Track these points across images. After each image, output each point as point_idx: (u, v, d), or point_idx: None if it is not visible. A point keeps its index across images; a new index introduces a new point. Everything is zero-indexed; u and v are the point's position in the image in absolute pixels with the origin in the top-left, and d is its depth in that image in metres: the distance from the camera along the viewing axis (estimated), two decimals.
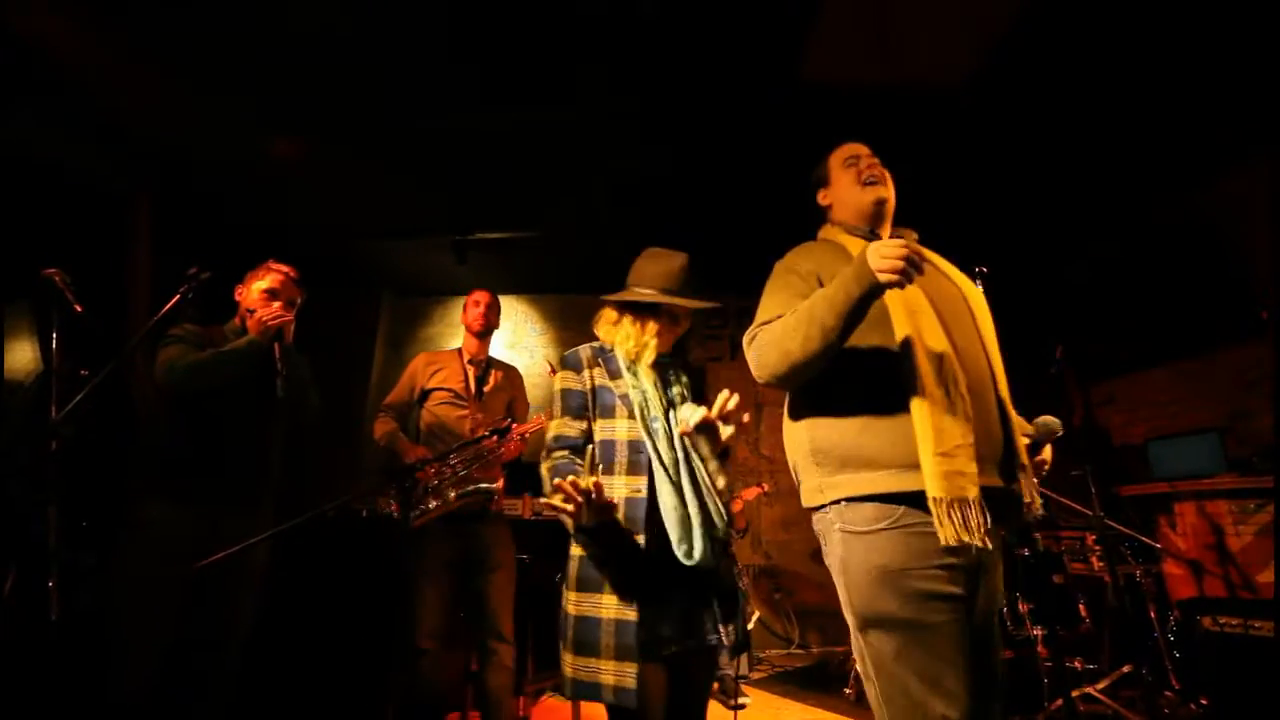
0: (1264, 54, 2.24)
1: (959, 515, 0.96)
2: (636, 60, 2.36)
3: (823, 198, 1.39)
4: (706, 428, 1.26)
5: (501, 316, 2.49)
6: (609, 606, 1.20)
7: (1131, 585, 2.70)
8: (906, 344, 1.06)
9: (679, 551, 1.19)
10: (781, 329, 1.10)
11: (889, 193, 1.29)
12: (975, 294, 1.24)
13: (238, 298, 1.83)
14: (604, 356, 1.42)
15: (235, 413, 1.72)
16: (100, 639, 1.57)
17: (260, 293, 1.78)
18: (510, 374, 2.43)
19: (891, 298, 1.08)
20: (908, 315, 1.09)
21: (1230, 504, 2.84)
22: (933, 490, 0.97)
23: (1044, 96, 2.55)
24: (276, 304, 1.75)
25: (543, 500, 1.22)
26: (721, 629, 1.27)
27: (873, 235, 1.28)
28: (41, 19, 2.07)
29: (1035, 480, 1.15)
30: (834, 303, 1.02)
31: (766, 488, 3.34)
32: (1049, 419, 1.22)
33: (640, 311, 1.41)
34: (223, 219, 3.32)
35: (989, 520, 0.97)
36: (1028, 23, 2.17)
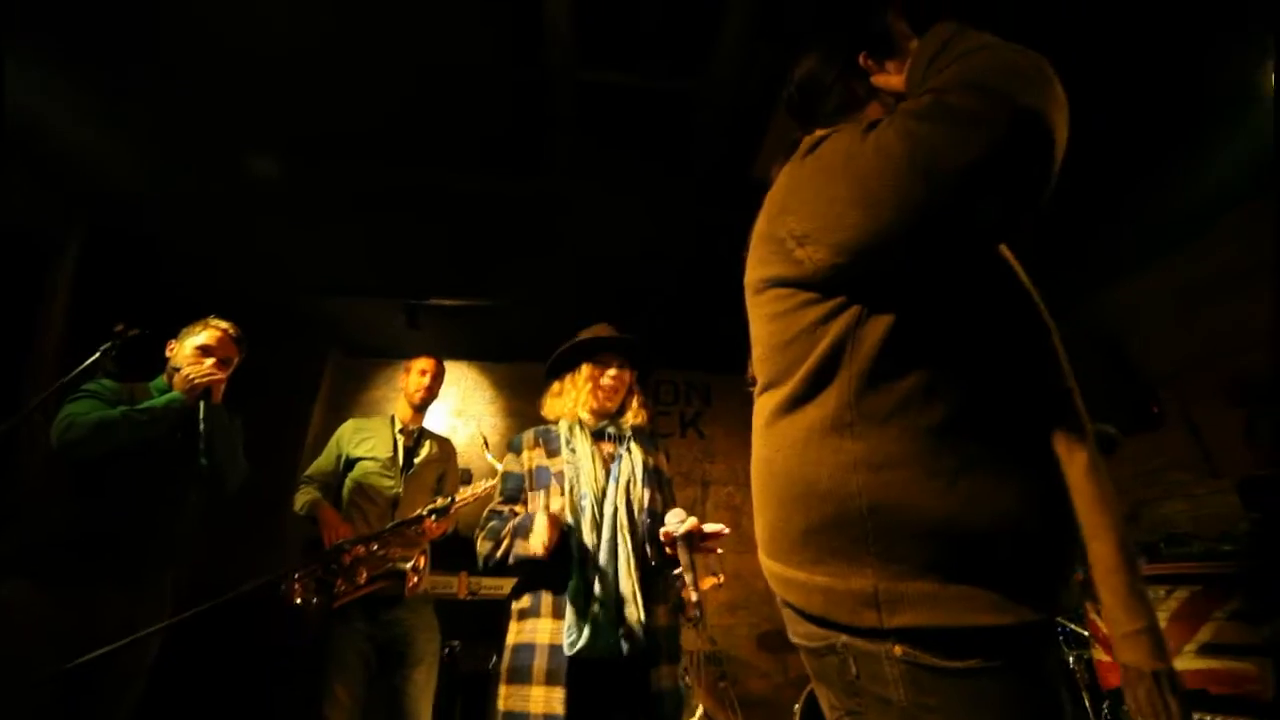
0: (1149, 172, 2.58)
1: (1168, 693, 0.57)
2: (601, 140, 2.49)
3: (866, 60, 0.81)
4: (688, 539, 1.22)
5: (451, 383, 2.45)
6: (537, 700, 1.15)
7: (1067, 673, 2.75)
8: (1055, 372, 0.65)
9: (565, 640, 1.16)
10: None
11: None
12: None
13: (168, 353, 1.74)
14: (546, 436, 1.45)
15: (141, 478, 1.58)
16: None
17: (194, 349, 1.70)
18: (443, 445, 2.36)
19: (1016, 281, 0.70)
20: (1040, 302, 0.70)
21: None
22: (1146, 659, 0.59)
23: None
24: (209, 361, 1.67)
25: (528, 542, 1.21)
26: None
27: None
28: None
29: None
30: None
31: (720, 578, 3.26)
32: (1105, 427, 0.94)
33: (570, 366, 1.47)
34: (160, 269, 3.19)
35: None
36: None
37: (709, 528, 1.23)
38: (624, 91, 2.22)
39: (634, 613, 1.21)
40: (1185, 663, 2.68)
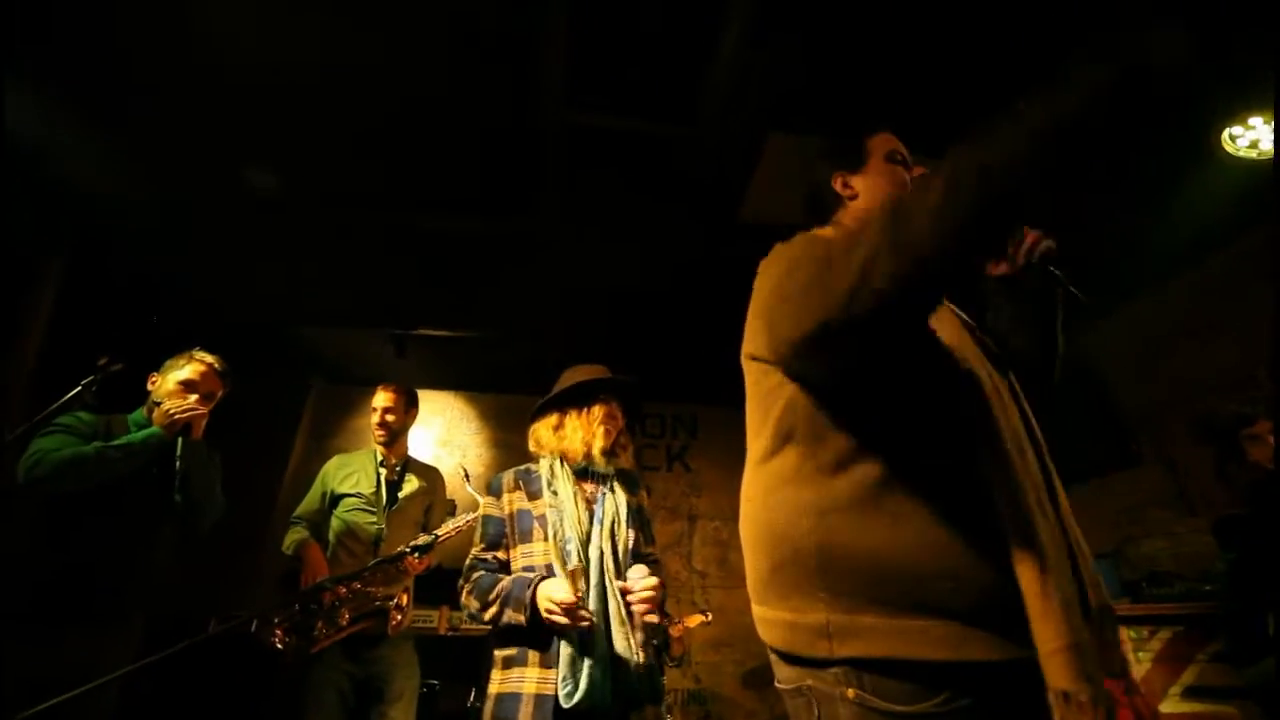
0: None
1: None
2: (589, 178, 2.52)
3: (842, 184, 0.98)
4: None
5: (436, 413, 2.42)
6: None
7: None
8: (982, 413, 0.70)
9: (561, 691, 1.12)
10: (886, 217, 0.62)
11: None
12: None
13: (150, 386, 1.71)
14: (526, 478, 1.41)
15: (112, 514, 1.53)
16: None
17: (176, 384, 1.67)
18: (429, 476, 2.32)
19: (951, 335, 0.77)
20: (976, 364, 0.75)
21: (1128, 631, 2.98)
22: (1059, 679, 0.59)
23: None
24: (192, 398, 1.65)
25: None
26: None
27: None
28: None
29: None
30: (1051, 118, 0.54)
31: (709, 617, 3.20)
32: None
33: (579, 402, 1.42)
34: (142, 297, 3.16)
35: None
36: None
37: (639, 593, 1.22)
38: (612, 134, 2.28)
39: (629, 658, 1.19)
40: (1171, 706, 2.67)
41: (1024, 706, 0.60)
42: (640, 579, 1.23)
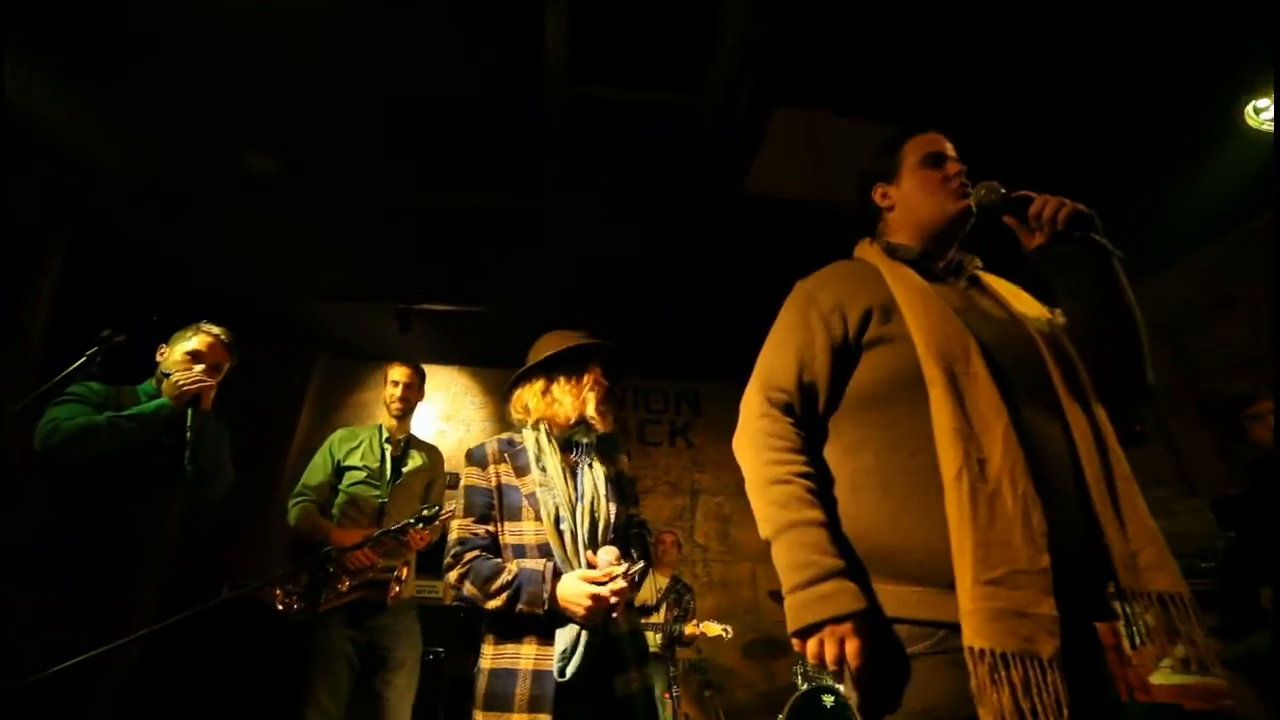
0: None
1: (1017, 681, 0.64)
2: (593, 151, 2.49)
3: (880, 196, 1.06)
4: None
5: (440, 387, 2.43)
6: None
7: None
8: (939, 408, 0.79)
9: (555, 666, 1.12)
10: (764, 491, 0.87)
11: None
12: (1061, 343, 0.90)
13: (159, 357, 1.72)
14: (511, 450, 1.34)
15: (126, 482, 1.56)
16: None
17: (184, 355, 1.68)
18: (431, 454, 2.34)
19: (923, 334, 0.84)
20: (937, 359, 0.81)
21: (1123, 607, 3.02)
22: (970, 636, 0.67)
23: None
24: (199, 368, 1.66)
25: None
26: None
27: (925, 260, 0.99)
28: None
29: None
30: (786, 563, 0.82)
31: (729, 633, 3.16)
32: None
33: (570, 368, 1.36)
34: (148, 271, 3.16)
35: (1065, 689, 0.65)
36: None
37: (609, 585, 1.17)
38: (617, 105, 2.24)
39: (610, 627, 1.18)
40: (1161, 678, 2.72)
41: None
42: (607, 565, 1.18)
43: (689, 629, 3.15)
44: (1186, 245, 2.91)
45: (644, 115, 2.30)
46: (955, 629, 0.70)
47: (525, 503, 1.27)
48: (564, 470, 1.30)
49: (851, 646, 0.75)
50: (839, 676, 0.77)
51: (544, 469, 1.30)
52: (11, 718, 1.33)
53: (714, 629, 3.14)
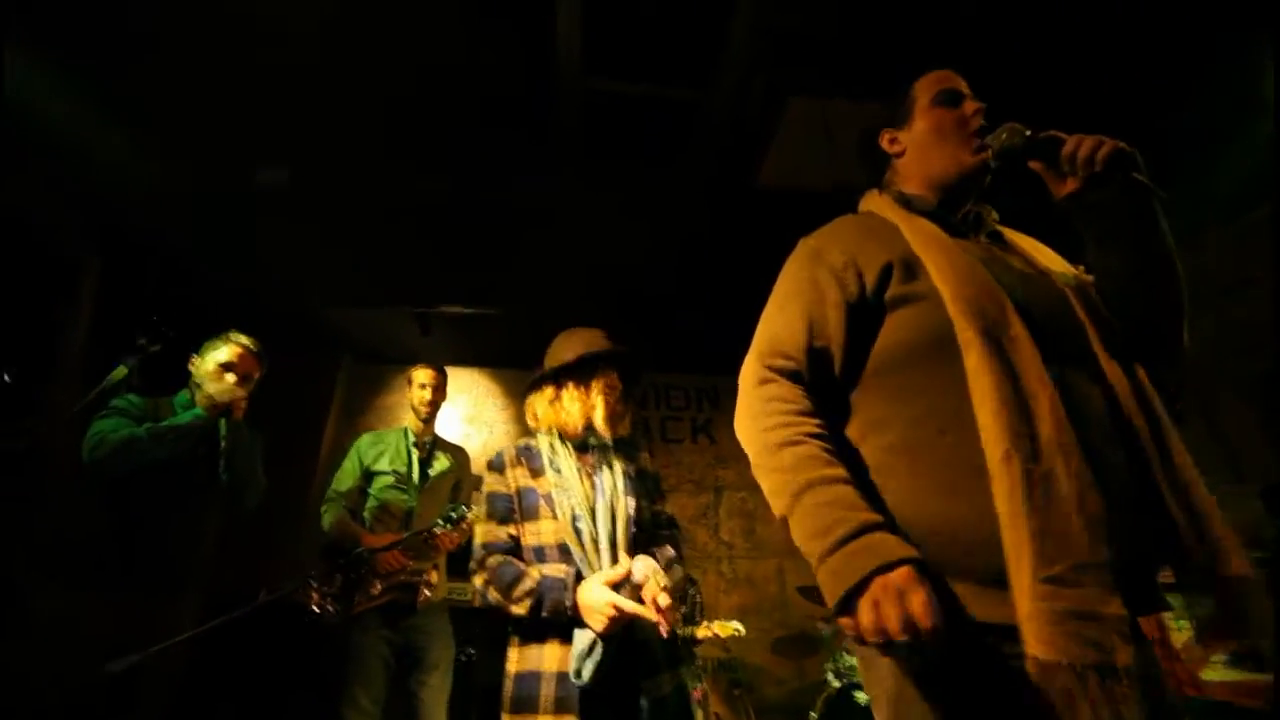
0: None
1: (1096, 697, 0.55)
2: (608, 148, 2.49)
3: (890, 142, 0.95)
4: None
5: (463, 390, 2.46)
6: None
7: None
8: (978, 375, 0.68)
9: (572, 667, 1.11)
10: (771, 458, 0.76)
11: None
12: (1092, 299, 0.81)
13: (191, 368, 1.77)
14: (527, 454, 1.36)
15: (165, 492, 1.61)
16: None
17: (216, 365, 1.73)
18: (457, 455, 2.37)
19: (953, 291, 0.73)
20: (973, 319, 0.71)
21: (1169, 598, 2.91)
22: (1035, 645, 0.58)
23: None
24: (230, 377, 1.71)
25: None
26: None
27: (943, 211, 0.88)
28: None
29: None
30: (810, 530, 0.69)
31: (742, 631, 3.02)
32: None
33: (581, 374, 1.36)
34: (177, 282, 3.25)
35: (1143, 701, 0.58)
36: None
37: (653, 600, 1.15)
38: (631, 101, 2.23)
39: (637, 631, 1.17)
40: (1215, 674, 2.63)
41: (977, 658, 0.64)
42: (645, 573, 1.15)
43: (700, 632, 2.98)
44: (1214, 219, 2.80)
45: (657, 109, 2.29)
46: (999, 630, 0.61)
47: (542, 503, 1.28)
48: (581, 472, 1.31)
49: (917, 598, 0.59)
50: (908, 648, 0.61)
51: (559, 471, 1.31)
52: (68, 714, 1.38)
53: (727, 628, 3.00)
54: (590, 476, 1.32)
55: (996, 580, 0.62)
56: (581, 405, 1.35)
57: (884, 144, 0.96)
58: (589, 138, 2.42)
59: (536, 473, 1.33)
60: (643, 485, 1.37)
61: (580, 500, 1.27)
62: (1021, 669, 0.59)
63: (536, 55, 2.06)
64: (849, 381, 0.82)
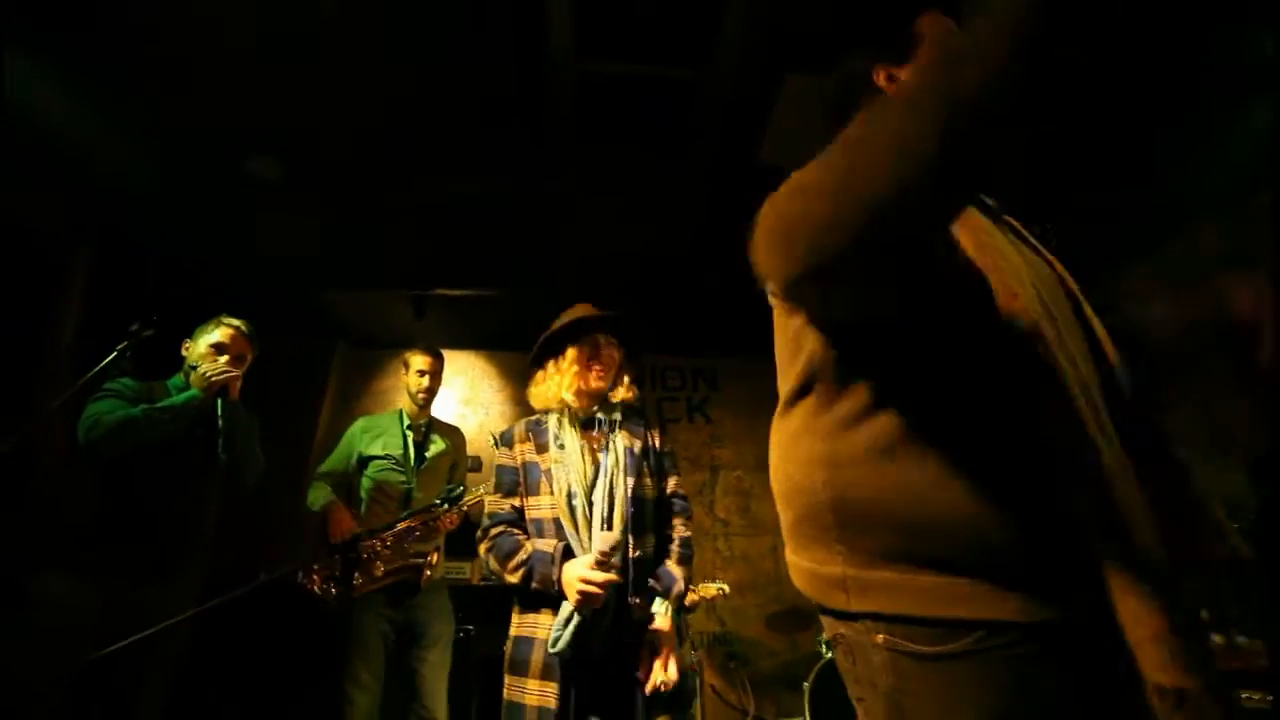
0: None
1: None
2: (604, 128, 2.46)
3: (886, 78, 0.79)
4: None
5: (458, 372, 2.47)
6: (532, 692, 1.18)
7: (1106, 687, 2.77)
8: (1034, 338, 0.59)
9: (550, 637, 1.19)
10: (858, 137, 0.54)
11: None
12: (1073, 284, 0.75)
13: (184, 352, 1.78)
14: (535, 429, 1.41)
15: (164, 473, 1.63)
16: None
17: (208, 347, 1.73)
18: (453, 436, 2.39)
19: (995, 265, 0.63)
20: (1030, 299, 0.62)
21: None
22: (1158, 670, 0.49)
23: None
24: (223, 359, 1.71)
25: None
26: None
27: None
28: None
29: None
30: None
31: (725, 591, 3.11)
32: None
33: (555, 351, 1.41)
34: (169, 266, 3.21)
35: None
36: None
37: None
38: (625, 80, 2.20)
39: (612, 607, 1.23)
40: None
41: (1050, 663, 0.54)
42: (601, 546, 1.20)
43: (687, 599, 3.11)
44: (1214, 207, 2.81)
45: (652, 90, 2.26)
46: (998, 627, 0.55)
47: (543, 478, 1.33)
48: (584, 448, 1.34)
49: None
50: None
51: (562, 446, 1.35)
52: (72, 697, 1.40)
53: (710, 589, 3.09)
54: (595, 453, 1.35)
55: (1007, 579, 0.55)
56: (556, 382, 1.38)
57: (880, 81, 0.79)
58: (583, 119, 2.39)
59: (542, 448, 1.37)
60: (647, 463, 1.39)
61: (578, 477, 1.30)
62: (1005, 659, 0.54)
63: (529, 38, 2.02)
64: (862, 347, 0.68)
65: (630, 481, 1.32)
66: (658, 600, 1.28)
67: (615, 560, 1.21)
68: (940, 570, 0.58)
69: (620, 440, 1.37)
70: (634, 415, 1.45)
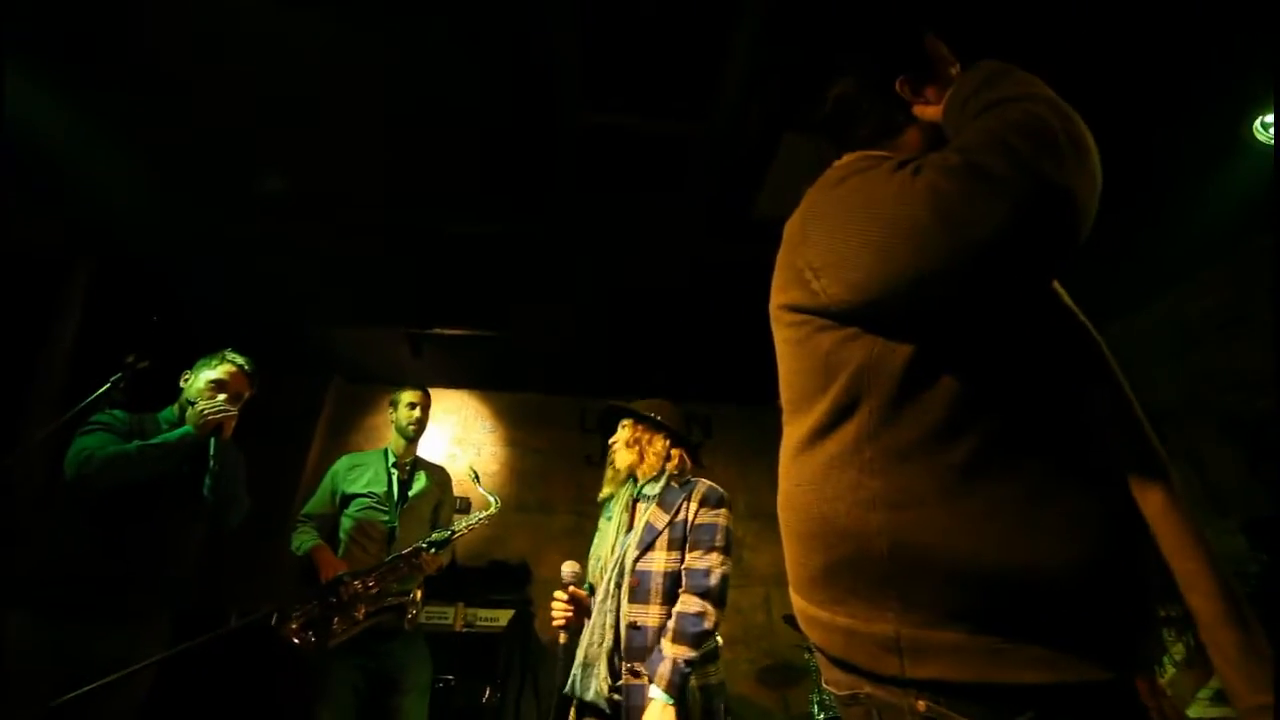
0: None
1: None
2: (603, 177, 2.53)
3: (911, 91, 0.74)
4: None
5: (451, 411, 2.46)
6: None
7: None
8: (1098, 362, 0.60)
9: (567, 685, 1.40)
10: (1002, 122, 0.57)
11: None
12: None
13: (182, 383, 1.76)
14: (606, 503, 1.74)
15: (145, 511, 1.58)
16: None
17: (208, 383, 1.71)
18: (438, 475, 2.35)
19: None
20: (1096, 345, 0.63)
21: None
22: (1257, 694, 0.49)
23: None
24: (221, 397, 1.69)
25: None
26: None
27: None
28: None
29: None
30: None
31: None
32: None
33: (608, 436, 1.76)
34: (165, 298, 3.22)
35: None
36: None
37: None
38: (625, 132, 2.28)
39: (599, 674, 1.37)
40: (1198, 710, 2.61)
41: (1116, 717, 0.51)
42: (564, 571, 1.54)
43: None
44: (1203, 261, 2.88)
45: (653, 142, 2.34)
46: (1055, 703, 0.50)
47: (594, 545, 1.66)
48: (620, 524, 1.57)
49: None
50: None
51: (609, 519, 1.62)
52: None
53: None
54: (628, 529, 1.56)
55: (1106, 641, 0.51)
56: (609, 462, 1.68)
57: (903, 92, 0.74)
58: (584, 167, 2.47)
59: (608, 519, 1.66)
60: (673, 535, 1.50)
61: (603, 548, 1.56)
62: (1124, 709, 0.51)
63: (531, 85, 2.11)
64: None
65: (635, 554, 1.47)
66: (651, 686, 1.29)
67: (572, 588, 1.47)
68: (1011, 630, 0.52)
69: (646, 515, 1.53)
70: (682, 489, 1.57)
